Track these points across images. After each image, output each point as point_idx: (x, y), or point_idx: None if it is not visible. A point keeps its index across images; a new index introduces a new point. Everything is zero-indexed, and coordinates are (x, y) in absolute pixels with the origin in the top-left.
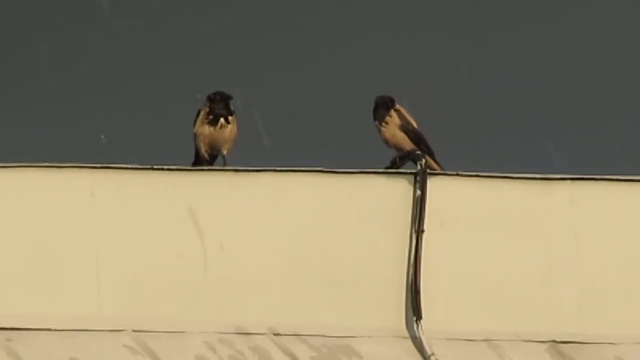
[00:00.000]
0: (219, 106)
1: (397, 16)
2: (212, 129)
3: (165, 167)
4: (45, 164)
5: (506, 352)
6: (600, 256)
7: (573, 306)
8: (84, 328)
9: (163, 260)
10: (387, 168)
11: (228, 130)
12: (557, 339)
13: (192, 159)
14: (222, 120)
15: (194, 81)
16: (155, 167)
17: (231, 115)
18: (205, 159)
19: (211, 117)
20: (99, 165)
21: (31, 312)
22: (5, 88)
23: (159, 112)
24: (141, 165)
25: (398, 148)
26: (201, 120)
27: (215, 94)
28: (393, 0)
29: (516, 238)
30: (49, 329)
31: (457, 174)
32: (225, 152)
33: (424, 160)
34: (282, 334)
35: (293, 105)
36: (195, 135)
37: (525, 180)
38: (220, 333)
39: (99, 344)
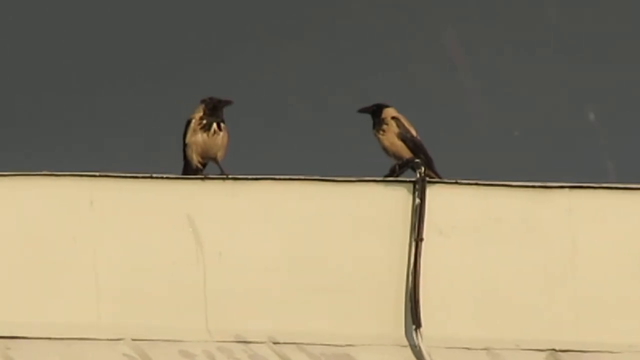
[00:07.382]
0: (212, 112)
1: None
2: (205, 135)
3: (164, 175)
4: (45, 172)
5: None
6: (599, 264)
7: (572, 315)
8: (83, 336)
9: (162, 269)
10: (386, 176)
11: (220, 137)
12: (556, 348)
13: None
14: (214, 126)
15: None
16: (154, 175)
17: (223, 122)
18: (199, 169)
19: (204, 122)
20: (98, 173)
21: (30, 321)
22: None
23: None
24: (140, 173)
25: (397, 156)
26: (193, 129)
27: (210, 98)
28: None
29: (515, 246)
30: (48, 338)
31: (456, 182)
32: (219, 159)
33: (423, 168)
34: (281, 342)
35: (292, 112)
36: (187, 145)
37: (523, 188)
38: (219, 342)
39: (97, 352)
